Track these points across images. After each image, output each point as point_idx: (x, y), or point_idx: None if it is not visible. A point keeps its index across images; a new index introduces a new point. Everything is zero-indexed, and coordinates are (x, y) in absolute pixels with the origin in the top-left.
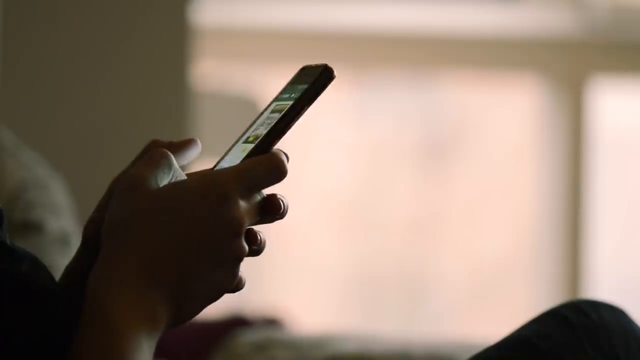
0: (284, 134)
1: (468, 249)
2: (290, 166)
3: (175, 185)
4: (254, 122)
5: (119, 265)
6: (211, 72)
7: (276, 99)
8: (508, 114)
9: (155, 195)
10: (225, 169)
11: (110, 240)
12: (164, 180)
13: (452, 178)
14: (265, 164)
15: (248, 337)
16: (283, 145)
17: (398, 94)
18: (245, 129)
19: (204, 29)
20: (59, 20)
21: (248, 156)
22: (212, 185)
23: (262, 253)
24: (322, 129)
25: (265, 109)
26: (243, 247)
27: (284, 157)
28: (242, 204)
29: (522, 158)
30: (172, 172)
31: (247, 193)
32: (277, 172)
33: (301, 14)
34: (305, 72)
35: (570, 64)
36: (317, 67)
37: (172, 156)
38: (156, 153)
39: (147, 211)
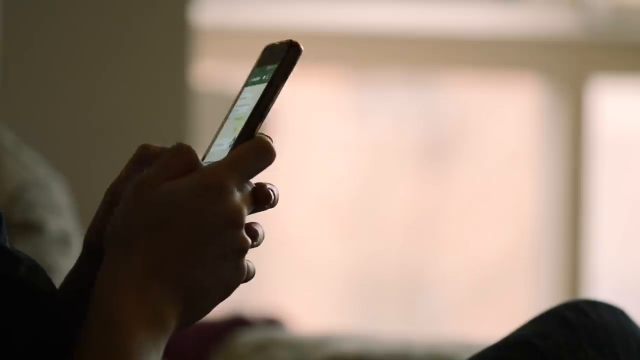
0: (264, 117)
1: (468, 249)
2: (290, 166)
3: (171, 184)
4: (229, 112)
5: (123, 266)
6: (211, 72)
7: (247, 84)
8: (508, 114)
9: (156, 197)
10: (216, 162)
11: (115, 242)
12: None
13: (452, 178)
14: (253, 149)
15: (248, 337)
16: (283, 143)
17: (398, 94)
18: (221, 121)
19: (204, 29)
20: (59, 20)
21: (233, 146)
22: (206, 179)
23: (262, 250)
24: (322, 129)
25: (238, 96)
26: (245, 239)
27: (269, 140)
28: (238, 194)
29: (522, 158)
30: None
31: (241, 182)
32: (266, 155)
33: (301, 14)
34: (270, 51)
35: (570, 64)
36: (282, 44)
37: (194, 153)
38: (180, 154)
39: (148, 211)
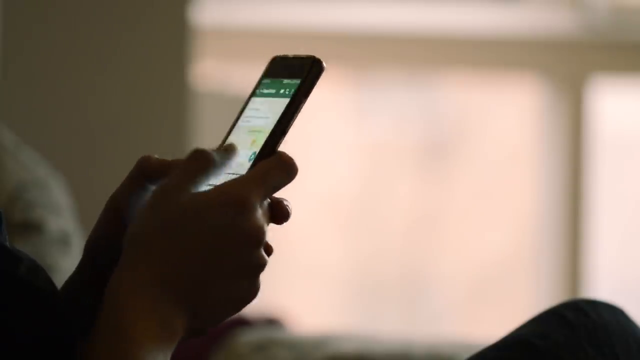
0: (286, 133)
1: (468, 249)
2: None
3: (195, 196)
4: (237, 120)
5: (137, 274)
6: (211, 72)
7: (256, 94)
8: (508, 114)
9: (179, 206)
10: (241, 176)
11: (132, 249)
12: (204, 188)
13: (452, 178)
14: (278, 165)
15: (248, 337)
16: (283, 143)
17: (398, 94)
18: (228, 128)
19: (204, 29)
20: (59, 19)
21: (255, 161)
22: (232, 194)
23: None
24: (322, 129)
25: (245, 105)
26: (264, 257)
27: (291, 156)
28: (260, 211)
29: (522, 158)
30: (218, 179)
31: (264, 199)
32: (290, 171)
33: (301, 14)
34: (282, 63)
35: (570, 64)
36: (300, 58)
37: (216, 160)
38: (198, 159)
39: (170, 222)
